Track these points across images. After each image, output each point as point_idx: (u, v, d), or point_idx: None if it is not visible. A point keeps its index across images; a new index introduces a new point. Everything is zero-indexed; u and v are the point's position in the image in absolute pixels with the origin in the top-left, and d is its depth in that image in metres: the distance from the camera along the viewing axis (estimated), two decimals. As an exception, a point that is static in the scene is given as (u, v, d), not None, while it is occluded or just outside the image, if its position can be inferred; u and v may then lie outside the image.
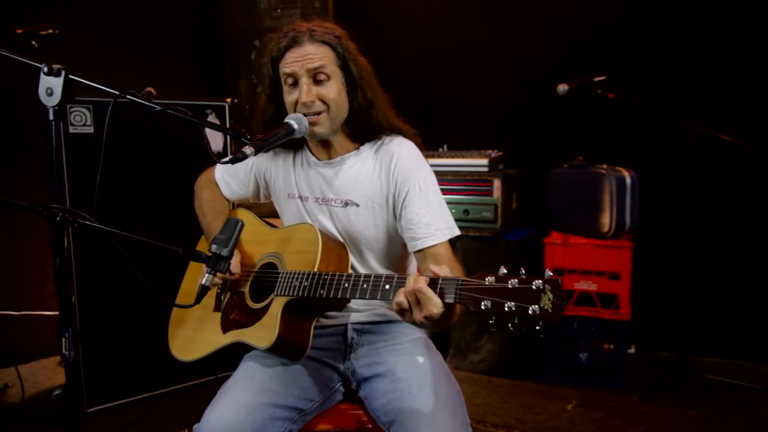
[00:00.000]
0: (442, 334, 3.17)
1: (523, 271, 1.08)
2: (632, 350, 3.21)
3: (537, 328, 1.03)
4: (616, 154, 3.02)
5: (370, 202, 1.54)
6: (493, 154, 3.12)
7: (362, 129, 1.56)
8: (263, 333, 1.43)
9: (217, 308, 1.62)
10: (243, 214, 1.75)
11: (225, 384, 1.48)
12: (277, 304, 1.44)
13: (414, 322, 1.19)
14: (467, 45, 3.56)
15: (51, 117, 1.26)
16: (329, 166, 1.58)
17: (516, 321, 1.05)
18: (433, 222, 1.48)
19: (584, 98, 2.78)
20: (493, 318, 1.07)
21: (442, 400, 1.38)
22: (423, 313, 1.15)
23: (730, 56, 3.00)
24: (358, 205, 1.55)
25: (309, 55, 1.46)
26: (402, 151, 1.54)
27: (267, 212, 1.76)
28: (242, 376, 1.49)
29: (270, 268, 1.56)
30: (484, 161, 3.08)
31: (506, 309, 1.05)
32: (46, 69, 1.23)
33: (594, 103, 2.83)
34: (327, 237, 1.52)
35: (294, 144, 1.61)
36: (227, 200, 1.80)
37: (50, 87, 1.23)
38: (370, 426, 1.52)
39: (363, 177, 1.55)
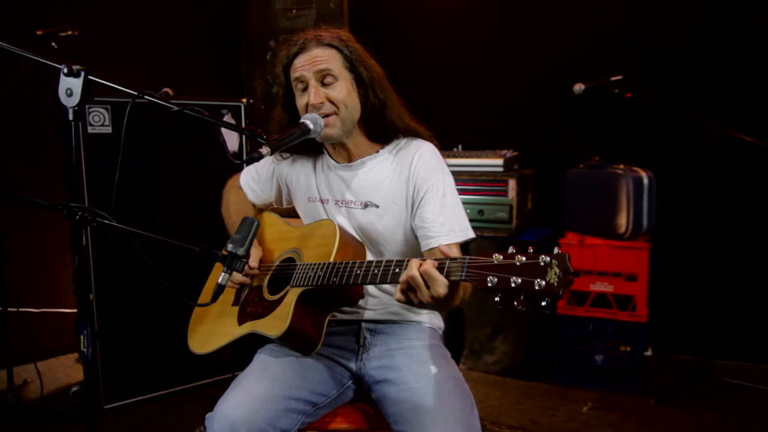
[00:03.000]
0: (456, 335, 3.16)
1: (532, 249, 1.08)
2: (649, 352, 3.18)
3: (543, 304, 1.03)
4: (633, 155, 2.99)
5: (390, 203, 1.55)
6: (509, 154, 3.10)
7: (378, 129, 1.57)
8: (276, 322, 1.45)
9: (235, 303, 1.65)
10: (267, 216, 1.79)
11: (239, 376, 1.50)
12: (292, 295, 1.46)
13: (420, 304, 1.19)
14: (483, 45, 3.54)
15: (70, 117, 1.27)
16: (349, 169, 1.60)
17: (521, 297, 1.05)
18: (447, 222, 1.49)
19: (601, 98, 2.75)
20: (499, 295, 1.07)
21: (455, 414, 1.37)
22: (429, 294, 1.17)
23: (750, 54, 2.96)
24: (377, 207, 1.56)
25: (316, 58, 1.48)
26: (422, 153, 1.55)
27: (290, 214, 1.79)
28: (256, 369, 1.51)
29: (289, 262, 1.58)
30: (499, 161, 3.06)
31: (512, 285, 1.05)
32: (65, 70, 1.24)
33: (611, 103, 2.80)
34: (346, 233, 1.54)
35: (313, 149, 1.64)
36: (253, 204, 1.84)
37: (70, 87, 1.25)
38: (383, 426, 1.52)
39: (383, 179, 1.56)
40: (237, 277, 1.57)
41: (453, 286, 1.17)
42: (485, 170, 3.08)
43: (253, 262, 1.59)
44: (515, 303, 1.06)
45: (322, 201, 1.64)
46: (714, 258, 3.03)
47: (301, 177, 1.69)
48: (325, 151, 1.65)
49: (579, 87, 2.70)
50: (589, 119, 3.22)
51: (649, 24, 3.13)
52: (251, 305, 1.59)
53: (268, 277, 1.60)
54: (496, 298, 1.08)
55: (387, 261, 1.31)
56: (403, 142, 1.60)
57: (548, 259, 1.04)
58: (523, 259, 1.07)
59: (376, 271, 1.31)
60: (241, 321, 1.57)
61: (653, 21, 3.12)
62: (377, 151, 1.59)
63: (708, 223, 3.04)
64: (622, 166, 2.86)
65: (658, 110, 2.88)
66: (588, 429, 2.53)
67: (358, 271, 1.34)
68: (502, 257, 1.09)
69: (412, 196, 1.53)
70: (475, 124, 3.52)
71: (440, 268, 1.17)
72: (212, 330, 1.65)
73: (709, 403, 2.69)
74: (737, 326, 3.07)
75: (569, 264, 1.03)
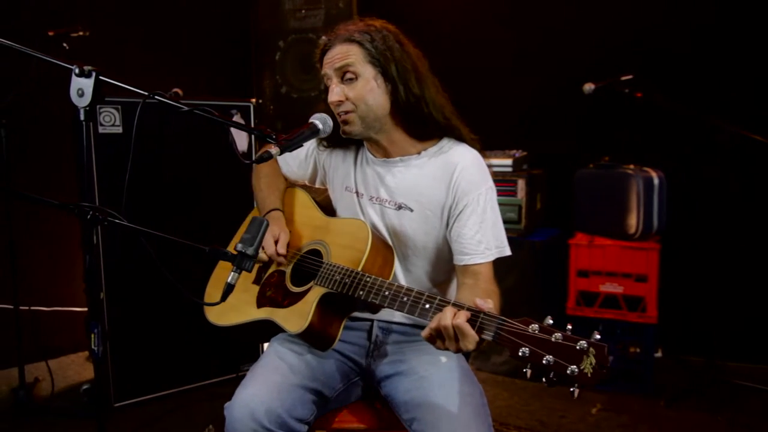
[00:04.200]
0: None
1: (570, 327, 1.04)
2: (659, 354, 3.15)
3: (571, 389, 1.00)
4: (643, 155, 2.97)
5: (424, 209, 1.52)
6: (518, 154, 3.09)
7: (416, 125, 1.51)
8: (296, 318, 1.45)
9: (256, 281, 1.64)
10: (299, 194, 1.76)
11: (255, 366, 1.51)
12: (315, 294, 1.45)
13: (445, 350, 1.18)
14: (492, 44, 3.53)
15: (82, 117, 1.28)
16: (386, 165, 1.56)
17: (551, 376, 1.02)
18: (484, 240, 1.46)
19: (611, 97, 2.74)
20: (529, 366, 1.04)
21: (464, 398, 1.38)
22: (457, 346, 1.15)
23: (761, 54, 2.93)
24: (411, 210, 1.53)
25: (336, 55, 1.45)
26: (465, 162, 1.49)
27: (320, 198, 1.77)
28: (272, 358, 1.51)
29: (314, 254, 1.57)
30: (509, 161, 3.05)
31: (544, 362, 1.02)
32: (77, 70, 1.25)
33: (621, 103, 2.79)
34: (377, 238, 1.51)
35: (356, 140, 1.59)
36: (285, 178, 1.81)
37: (81, 88, 1.25)
38: (393, 424, 1.52)
39: (420, 182, 1.52)
40: (261, 256, 1.55)
41: (481, 341, 1.14)
42: (494, 170, 3.06)
43: (282, 248, 1.57)
44: (543, 379, 1.03)
45: (357, 194, 1.61)
46: (725, 259, 3.01)
47: (341, 164, 1.65)
48: (365, 144, 1.61)
49: (589, 87, 2.69)
50: (599, 119, 3.20)
51: (659, 23, 3.11)
52: (272, 289, 1.58)
53: (292, 264, 1.59)
54: (525, 369, 1.05)
55: (418, 293, 1.29)
56: (447, 145, 1.53)
57: (586, 345, 1.00)
58: (560, 337, 1.03)
59: (405, 299, 1.29)
60: (260, 304, 1.57)
61: (663, 20, 3.10)
62: (419, 153, 1.54)
63: (719, 223, 3.02)
64: (632, 166, 2.84)
65: (669, 110, 2.86)
66: (597, 431, 2.52)
67: (387, 293, 1.32)
68: (537, 328, 1.06)
69: (450, 207, 1.49)
70: (483, 123, 3.50)
71: (472, 321, 1.14)
72: (230, 303, 1.63)
73: (719, 406, 2.67)
74: (748, 328, 3.04)
75: (607, 356, 0.99)
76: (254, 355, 1.63)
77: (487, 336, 1.12)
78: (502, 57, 3.50)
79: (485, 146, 3.35)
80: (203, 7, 3.79)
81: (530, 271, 3.01)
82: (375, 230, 1.55)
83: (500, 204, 2.95)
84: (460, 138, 1.55)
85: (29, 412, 2.64)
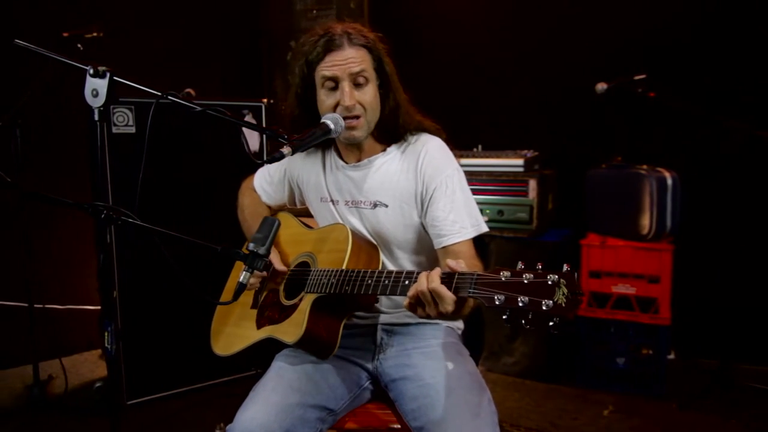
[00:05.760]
0: (475, 335, 3.14)
1: (540, 267, 1.07)
2: (672, 356, 3.13)
3: (551, 324, 1.02)
4: (656, 155, 2.95)
5: (399, 202, 1.54)
6: (529, 154, 3.08)
7: (390, 131, 1.57)
8: (292, 328, 1.46)
9: (254, 305, 1.67)
10: (282, 216, 1.80)
11: (256, 385, 1.51)
12: (307, 301, 1.46)
13: (428, 317, 1.20)
14: (503, 44, 3.52)
15: (96, 117, 1.29)
16: (357, 168, 1.59)
17: (529, 316, 1.04)
18: (459, 220, 1.48)
19: (624, 97, 2.72)
20: (507, 313, 1.06)
21: (473, 409, 1.37)
22: (437, 310, 1.17)
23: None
24: (386, 206, 1.55)
25: (351, 59, 1.46)
26: (429, 149, 1.54)
27: (304, 214, 1.80)
28: (272, 377, 1.51)
29: (304, 266, 1.59)
30: (520, 161, 3.04)
31: (520, 304, 1.04)
32: (91, 71, 1.26)
33: (634, 102, 2.77)
34: (358, 237, 1.53)
35: (322, 148, 1.64)
36: (267, 206, 1.85)
37: (95, 88, 1.27)
38: (399, 426, 1.52)
39: (391, 177, 1.56)
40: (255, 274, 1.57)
41: (461, 301, 1.16)
42: (505, 170, 3.06)
43: (281, 265, 1.60)
44: (523, 321, 1.05)
45: (332, 202, 1.64)
46: (739, 260, 2.98)
47: (312, 177, 1.69)
48: (333, 151, 1.64)
49: (601, 86, 2.67)
50: (612, 119, 3.18)
51: (674, 21, 3.08)
52: (269, 309, 1.60)
53: (284, 281, 1.61)
54: (504, 316, 1.07)
55: (397, 272, 1.31)
56: (410, 138, 1.58)
57: (556, 277, 1.02)
58: (531, 276, 1.05)
59: (386, 281, 1.31)
60: (260, 325, 1.59)
61: (676, 19, 3.07)
62: (384, 150, 1.58)
63: (733, 224, 2.98)
64: (645, 167, 2.82)
65: (682, 110, 2.83)
66: (609, 432, 2.51)
67: (369, 281, 1.34)
68: (509, 274, 1.08)
69: (422, 194, 1.52)
70: (495, 123, 3.50)
71: (448, 284, 1.16)
72: (233, 332, 1.66)
73: (733, 409, 2.64)
74: (762, 330, 3.00)
75: (577, 283, 1.02)
76: (266, 354, 1.62)
77: (464, 293, 1.14)
78: (514, 57, 3.49)
79: (497, 146, 3.35)
80: (215, 8, 3.81)
81: (541, 272, 2.99)
82: (358, 233, 1.58)
83: (512, 204, 3.02)
84: (423, 130, 1.59)
85: (43, 409, 2.67)
